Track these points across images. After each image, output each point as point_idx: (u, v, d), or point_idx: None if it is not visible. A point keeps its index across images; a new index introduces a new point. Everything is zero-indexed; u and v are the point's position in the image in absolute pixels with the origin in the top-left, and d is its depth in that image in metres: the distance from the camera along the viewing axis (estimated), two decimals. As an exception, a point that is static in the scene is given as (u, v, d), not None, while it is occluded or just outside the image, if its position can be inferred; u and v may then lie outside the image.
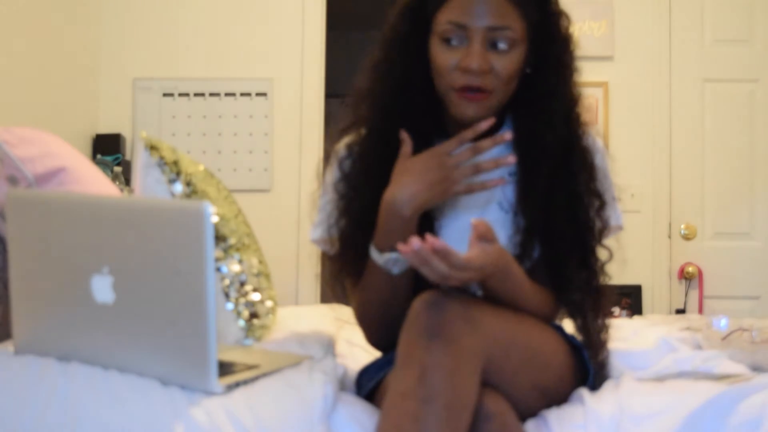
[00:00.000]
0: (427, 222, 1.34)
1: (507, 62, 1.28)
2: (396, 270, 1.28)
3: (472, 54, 1.26)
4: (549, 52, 1.33)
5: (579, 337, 1.38)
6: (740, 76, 3.38)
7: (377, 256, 1.28)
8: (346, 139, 1.43)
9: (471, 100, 1.28)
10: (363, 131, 1.40)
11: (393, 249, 1.26)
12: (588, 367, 1.36)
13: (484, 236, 1.17)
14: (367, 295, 1.35)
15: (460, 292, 1.20)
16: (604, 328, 1.38)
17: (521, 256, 1.33)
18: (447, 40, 1.29)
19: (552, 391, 1.27)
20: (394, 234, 1.25)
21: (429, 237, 1.06)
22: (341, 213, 1.38)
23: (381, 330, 1.39)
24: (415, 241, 1.05)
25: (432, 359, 1.07)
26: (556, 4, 1.35)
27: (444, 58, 1.29)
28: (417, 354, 1.08)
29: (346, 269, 1.39)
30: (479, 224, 1.16)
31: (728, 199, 3.38)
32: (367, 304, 1.38)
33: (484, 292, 1.27)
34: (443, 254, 1.07)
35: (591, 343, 1.36)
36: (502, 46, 1.27)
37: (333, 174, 1.42)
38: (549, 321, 1.37)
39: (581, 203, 1.35)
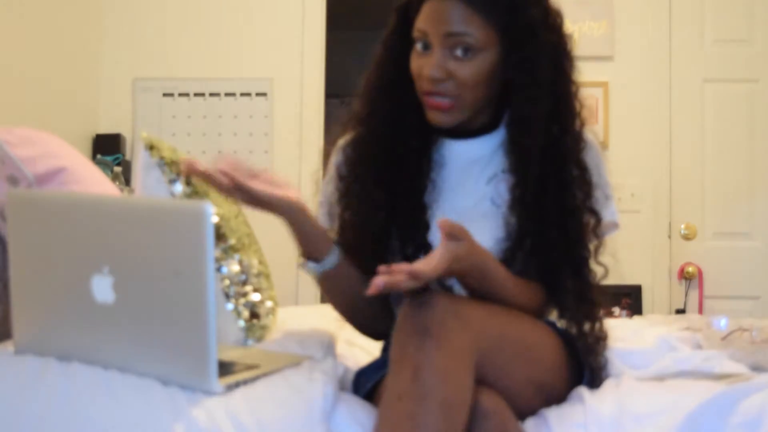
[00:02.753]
0: (419, 210, 1.36)
1: (468, 69, 1.28)
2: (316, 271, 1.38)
3: (430, 61, 1.28)
4: (530, 53, 1.29)
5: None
6: (740, 76, 3.38)
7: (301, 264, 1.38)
8: (352, 133, 1.46)
9: (435, 107, 1.30)
10: (359, 127, 1.43)
11: (308, 258, 1.37)
12: (583, 363, 1.36)
13: (453, 235, 1.16)
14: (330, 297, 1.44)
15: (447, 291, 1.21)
16: (602, 332, 1.38)
17: (511, 249, 1.34)
18: (417, 46, 1.31)
19: (547, 387, 1.27)
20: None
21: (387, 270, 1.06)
22: (341, 197, 1.43)
23: (355, 320, 1.48)
24: (379, 281, 1.05)
25: (424, 358, 1.07)
26: (535, 5, 1.30)
27: (415, 64, 1.32)
28: (409, 354, 1.09)
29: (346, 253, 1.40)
30: (444, 224, 1.15)
31: (728, 199, 3.38)
32: (333, 303, 1.47)
33: (467, 292, 1.28)
34: (412, 275, 1.07)
35: (587, 347, 1.36)
36: (458, 53, 1.27)
37: (335, 159, 1.47)
38: (539, 316, 1.37)
39: (573, 201, 1.35)
